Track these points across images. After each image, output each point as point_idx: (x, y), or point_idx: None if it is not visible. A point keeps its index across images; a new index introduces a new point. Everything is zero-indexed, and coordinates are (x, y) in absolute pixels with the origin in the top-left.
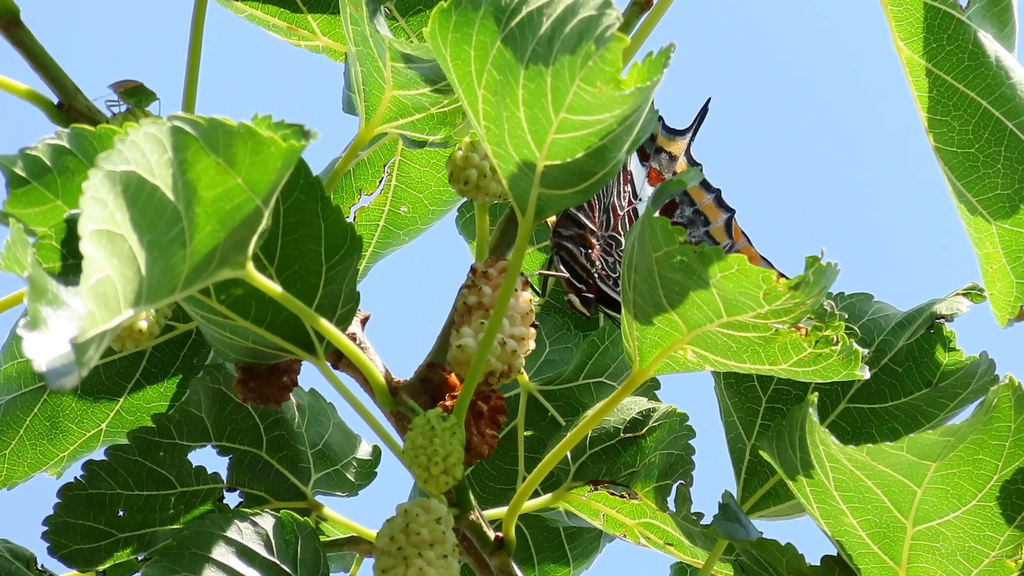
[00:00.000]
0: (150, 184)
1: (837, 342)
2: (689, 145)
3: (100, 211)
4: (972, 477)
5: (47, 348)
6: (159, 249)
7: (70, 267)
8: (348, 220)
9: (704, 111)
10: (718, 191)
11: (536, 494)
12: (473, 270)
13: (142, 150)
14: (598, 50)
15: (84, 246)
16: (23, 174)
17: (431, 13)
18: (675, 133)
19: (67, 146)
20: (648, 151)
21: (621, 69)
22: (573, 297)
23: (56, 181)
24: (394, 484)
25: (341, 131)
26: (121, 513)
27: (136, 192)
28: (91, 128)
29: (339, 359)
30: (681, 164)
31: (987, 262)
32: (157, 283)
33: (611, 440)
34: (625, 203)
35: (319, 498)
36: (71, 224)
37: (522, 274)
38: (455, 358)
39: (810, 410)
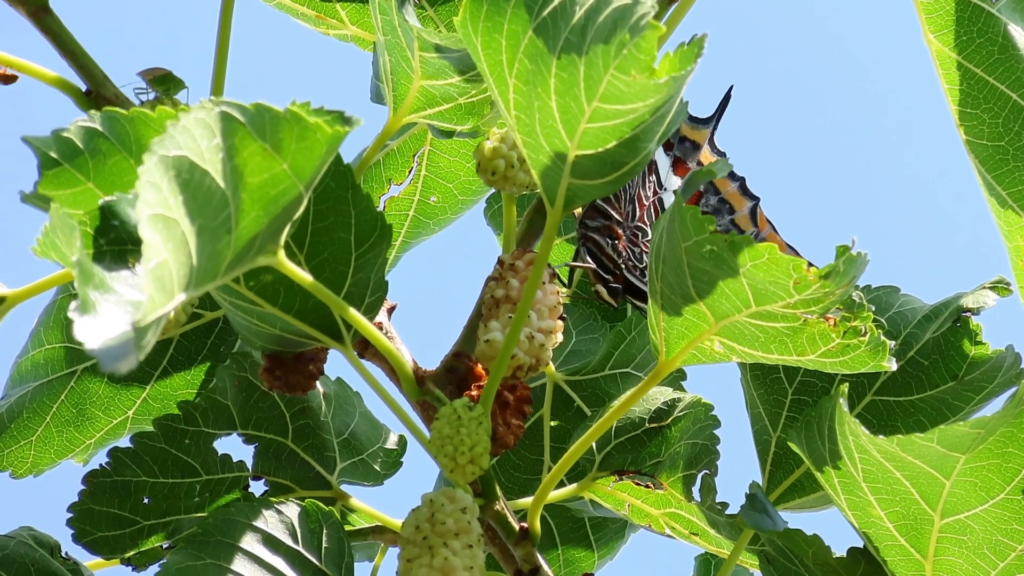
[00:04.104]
0: (200, 169)
1: (865, 333)
2: (712, 134)
3: (155, 195)
4: (1001, 470)
5: (99, 331)
6: (208, 234)
7: (104, 253)
8: (378, 209)
9: (726, 99)
10: (743, 179)
11: (561, 484)
12: (500, 262)
13: (193, 135)
14: (633, 38)
15: (142, 230)
16: (55, 155)
17: (462, 2)
18: (698, 122)
19: (99, 128)
20: (672, 140)
21: (656, 58)
22: (601, 288)
23: (88, 163)
24: (420, 474)
25: (369, 121)
26: (146, 501)
27: (188, 177)
28: (123, 111)
29: (366, 348)
30: (705, 153)
31: (1017, 255)
32: (204, 269)
33: (636, 430)
34: (650, 193)
35: (344, 487)
36: (105, 211)
37: (549, 265)
38: (483, 353)
39: (840, 400)
